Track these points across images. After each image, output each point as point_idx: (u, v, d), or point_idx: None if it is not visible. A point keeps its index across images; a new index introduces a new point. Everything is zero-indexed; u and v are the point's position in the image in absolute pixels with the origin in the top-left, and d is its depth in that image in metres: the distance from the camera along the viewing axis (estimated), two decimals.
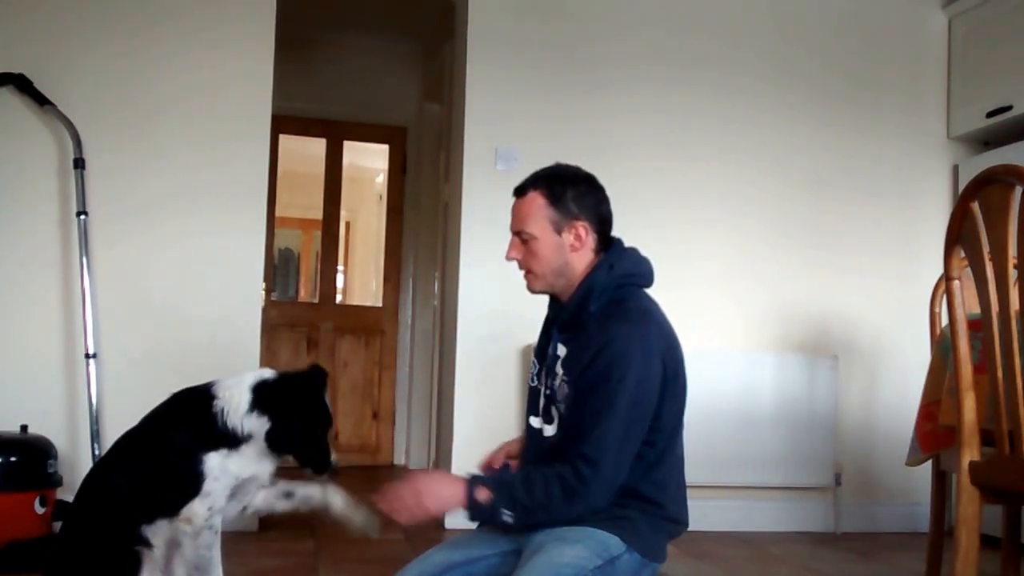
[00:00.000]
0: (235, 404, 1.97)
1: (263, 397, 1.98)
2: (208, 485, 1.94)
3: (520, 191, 1.89)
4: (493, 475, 1.75)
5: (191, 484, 1.93)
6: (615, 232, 1.92)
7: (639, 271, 1.88)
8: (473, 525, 2.00)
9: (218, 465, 1.95)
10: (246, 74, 3.49)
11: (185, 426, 1.99)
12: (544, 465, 1.75)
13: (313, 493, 2.12)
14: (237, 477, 1.99)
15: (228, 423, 1.95)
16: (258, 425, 1.97)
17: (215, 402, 1.98)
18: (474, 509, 1.70)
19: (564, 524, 1.73)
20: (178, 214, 3.40)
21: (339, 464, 2.06)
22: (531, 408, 1.94)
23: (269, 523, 3.37)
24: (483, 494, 1.69)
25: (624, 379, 1.70)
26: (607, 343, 1.73)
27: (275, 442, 1.98)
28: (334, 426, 2.10)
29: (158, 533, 1.95)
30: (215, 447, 1.95)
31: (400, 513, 1.70)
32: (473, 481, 1.72)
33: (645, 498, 1.78)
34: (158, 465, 1.96)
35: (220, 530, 1.99)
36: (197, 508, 1.93)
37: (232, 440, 1.96)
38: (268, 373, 2.06)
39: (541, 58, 3.82)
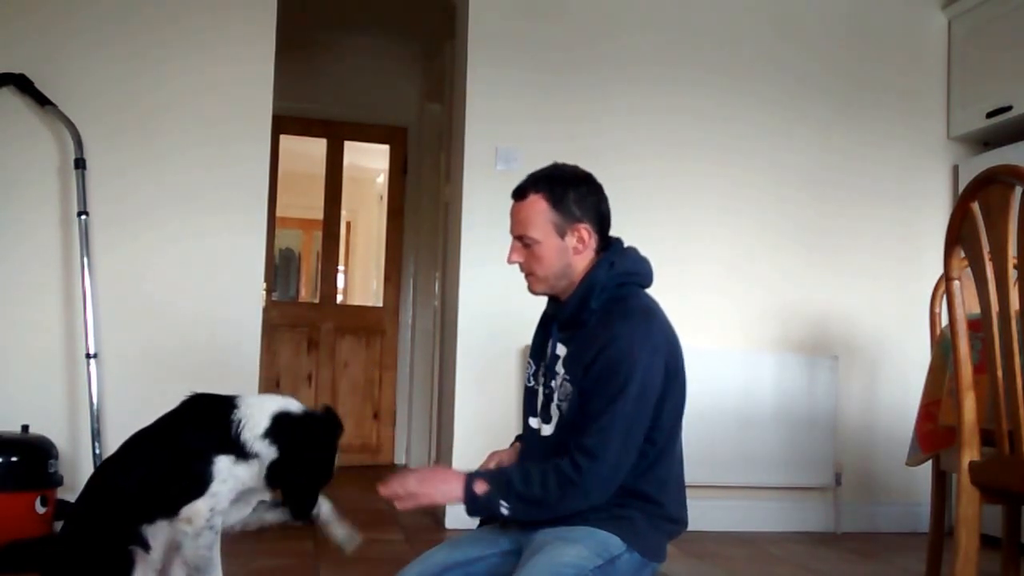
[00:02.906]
0: (252, 423, 1.98)
1: (280, 429, 1.98)
2: (215, 486, 1.94)
3: (519, 194, 1.85)
4: (491, 470, 1.77)
5: (197, 483, 1.94)
6: (615, 233, 1.92)
7: (639, 270, 1.87)
8: (474, 524, 2.00)
9: (227, 468, 1.96)
10: (247, 74, 3.49)
11: (199, 427, 2.00)
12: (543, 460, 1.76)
13: None
14: (244, 483, 1.99)
15: (240, 436, 1.96)
16: (266, 451, 1.98)
17: (234, 412, 1.99)
18: (472, 502, 1.72)
19: (564, 522, 1.74)
20: (179, 214, 3.41)
21: (318, 513, 2.08)
22: (529, 409, 1.94)
23: None
24: (481, 487, 1.72)
25: (628, 377, 1.70)
26: (610, 341, 1.73)
27: (273, 475, 1.98)
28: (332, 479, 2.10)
29: (158, 534, 1.96)
30: (224, 452, 1.96)
31: (401, 499, 1.72)
32: (472, 476, 1.75)
33: (645, 497, 1.78)
34: (167, 464, 1.96)
35: (220, 531, 2.00)
36: (200, 507, 1.93)
37: (240, 451, 1.97)
38: (294, 406, 2.05)
39: (541, 58, 3.82)
